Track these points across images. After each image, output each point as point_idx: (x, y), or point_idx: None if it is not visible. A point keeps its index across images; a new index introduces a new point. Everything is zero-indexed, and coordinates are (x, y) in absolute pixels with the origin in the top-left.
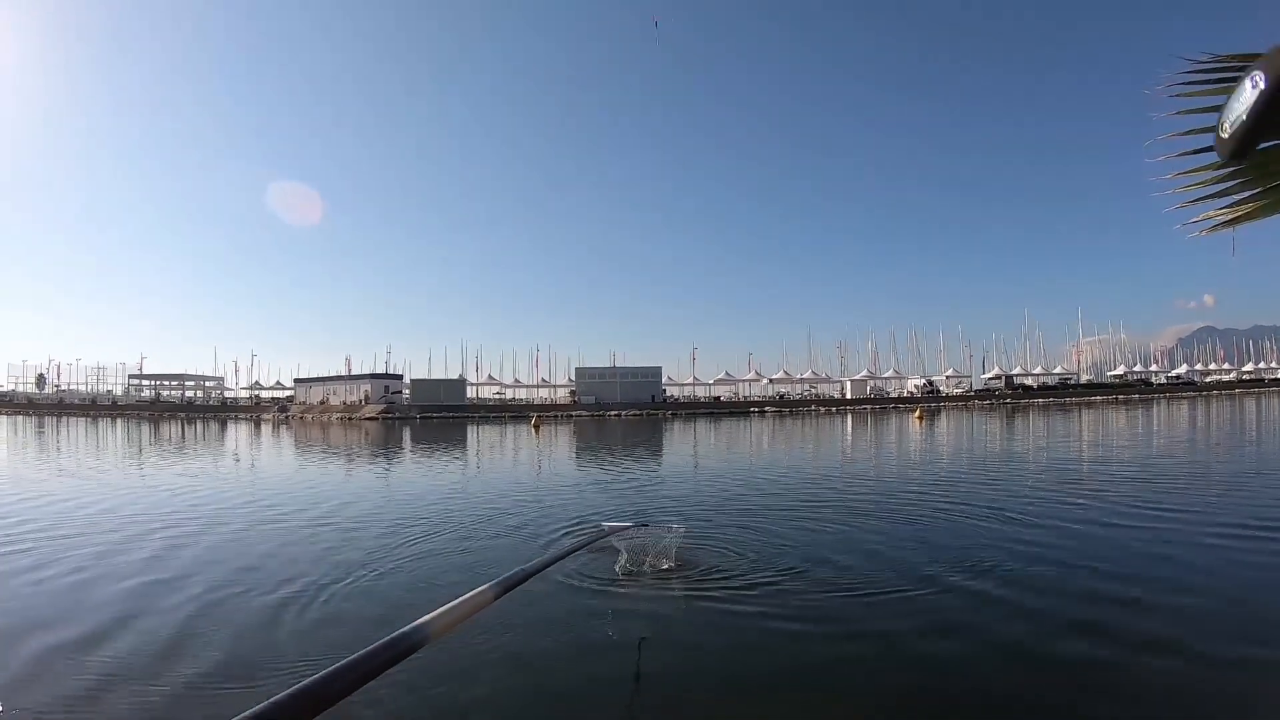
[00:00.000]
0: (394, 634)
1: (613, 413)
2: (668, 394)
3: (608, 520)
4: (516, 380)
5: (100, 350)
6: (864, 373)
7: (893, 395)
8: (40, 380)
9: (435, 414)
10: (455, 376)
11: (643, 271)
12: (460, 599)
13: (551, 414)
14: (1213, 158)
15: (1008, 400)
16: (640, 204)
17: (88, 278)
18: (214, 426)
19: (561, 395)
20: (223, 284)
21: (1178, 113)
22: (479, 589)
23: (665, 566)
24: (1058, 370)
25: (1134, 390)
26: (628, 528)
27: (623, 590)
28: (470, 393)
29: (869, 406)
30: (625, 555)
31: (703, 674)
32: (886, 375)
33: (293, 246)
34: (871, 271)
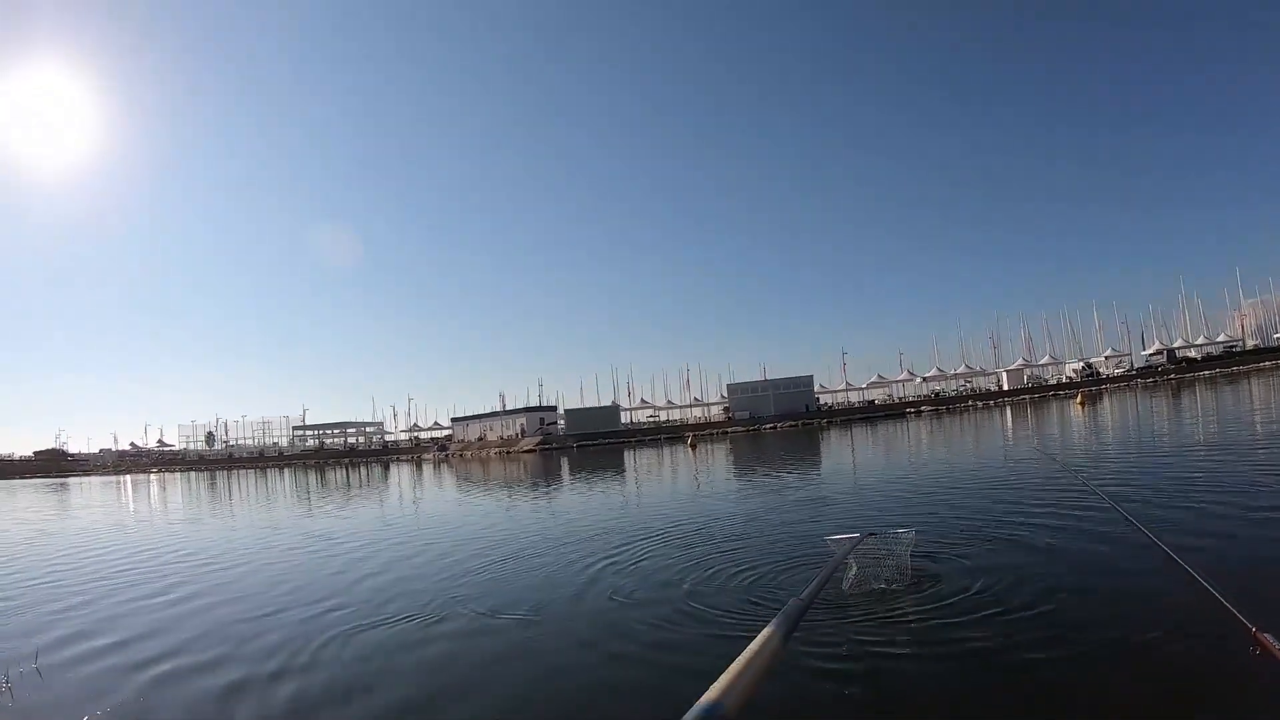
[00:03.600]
0: None
1: (768, 425)
2: (821, 402)
3: (830, 535)
4: (669, 401)
5: (264, 405)
6: (1019, 361)
7: (1050, 382)
8: (209, 438)
9: (591, 441)
10: (608, 403)
11: (785, 279)
12: (744, 655)
13: (707, 432)
14: None
15: (1171, 376)
16: (775, 212)
17: (249, 338)
18: (377, 469)
19: (715, 413)
20: (377, 334)
21: None
22: (761, 636)
23: (893, 586)
24: (1220, 338)
25: None
26: (857, 540)
27: (853, 618)
28: (624, 417)
29: (1027, 397)
30: (855, 568)
31: None
32: (1043, 362)
33: (441, 292)
34: (1018, 253)
